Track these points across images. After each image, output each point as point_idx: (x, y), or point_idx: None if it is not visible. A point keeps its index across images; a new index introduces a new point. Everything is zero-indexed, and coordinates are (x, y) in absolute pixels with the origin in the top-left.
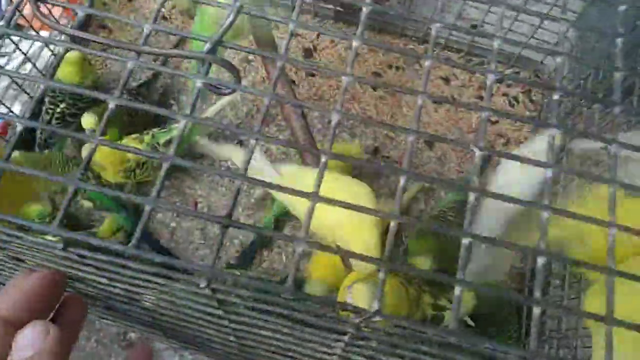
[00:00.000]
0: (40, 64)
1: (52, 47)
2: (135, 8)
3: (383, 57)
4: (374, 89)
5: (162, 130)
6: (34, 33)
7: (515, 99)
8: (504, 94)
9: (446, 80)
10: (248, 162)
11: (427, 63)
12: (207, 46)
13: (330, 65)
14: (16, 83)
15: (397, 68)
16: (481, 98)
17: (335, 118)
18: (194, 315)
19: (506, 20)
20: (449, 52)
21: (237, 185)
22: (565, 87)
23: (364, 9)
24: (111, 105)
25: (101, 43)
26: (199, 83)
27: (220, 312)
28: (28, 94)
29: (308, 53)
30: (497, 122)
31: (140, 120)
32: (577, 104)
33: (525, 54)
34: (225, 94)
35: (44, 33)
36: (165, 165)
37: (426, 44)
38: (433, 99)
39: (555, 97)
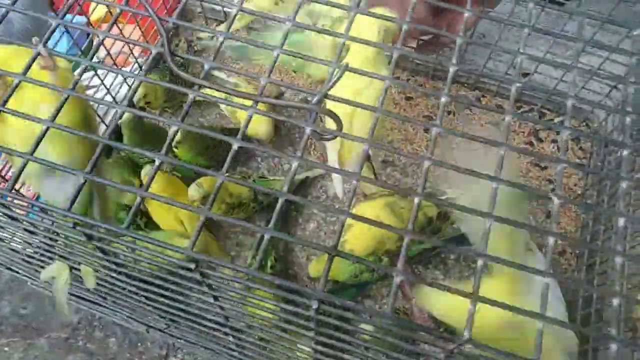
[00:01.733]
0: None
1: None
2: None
3: (435, 100)
4: (426, 130)
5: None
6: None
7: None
8: (553, 141)
9: (496, 125)
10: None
11: (507, 118)
12: (316, 98)
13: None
14: (98, 116)
15: (449, 112)
16: (530, 144)
17: (426, 164)
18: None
19: (556, 72)
20: (500, 99)
21: (341, 220)
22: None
23: (451, 69)
24: (235, 146)
25: (224, 92)
26: (308, 130)
27: (312, 334)
28: (105, 124)
29: None
30: (545, 167)
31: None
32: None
33: (575, 103)
34: (328, 139)
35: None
36: (281, 200)
37: (477, 90)
38: (485, 141)
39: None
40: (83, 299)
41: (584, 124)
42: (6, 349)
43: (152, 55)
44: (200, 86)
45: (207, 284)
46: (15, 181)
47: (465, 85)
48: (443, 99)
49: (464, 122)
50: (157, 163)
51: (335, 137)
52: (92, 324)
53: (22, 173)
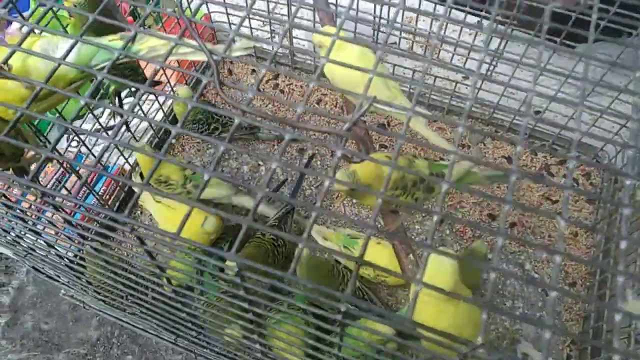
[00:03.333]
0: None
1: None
2: (236, 80)
3: (450, 134)
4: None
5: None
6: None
7: (576, 181)
8: (564, 176)
9: (509, 159)
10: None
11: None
12: (347, 125)
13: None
14: (131, 132)
15: (463, 146)
16: (542, 177)
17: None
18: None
19: (567, 110)
20: (512, 134)
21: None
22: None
23: (467, 104)
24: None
25: (262, 116)
26: (339, 153)
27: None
28: (137, 140)
29: (382, 127)
30: (557, 201)
31: None
32: None
33: (585, 140)
34: (355, 162)
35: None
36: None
37: (490, 125)
38: (497, 168)
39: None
40: (115, 306)
41: (595, 160)
42: None
43: (203, 84)
44: (244, 112)
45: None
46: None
47: (480, 120)
48: (460, 129)
49: (477, 154)
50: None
51: (363, 160)
52: (111, 341)
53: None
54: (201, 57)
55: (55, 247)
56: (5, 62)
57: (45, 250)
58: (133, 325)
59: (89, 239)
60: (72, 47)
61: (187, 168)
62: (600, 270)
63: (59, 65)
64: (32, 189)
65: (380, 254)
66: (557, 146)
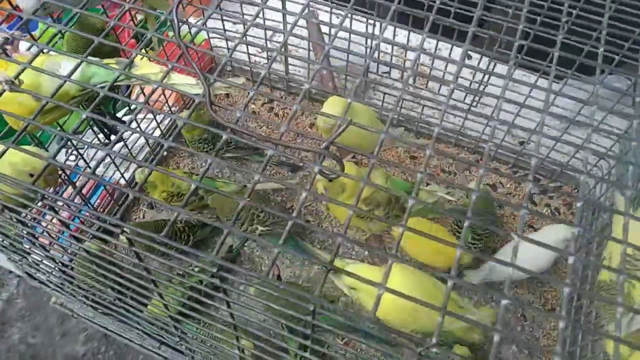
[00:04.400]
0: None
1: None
2: (232, 102)
3: (437, 161)
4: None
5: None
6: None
7: (557, 210)
8: (547, 205)
9: (493, 187)
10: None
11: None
12: (325, 144)
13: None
14: (127, 148)
15: (450, 172)
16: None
17: None
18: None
19: (550, 141)
20: (497, 163)
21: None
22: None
23: (436, 129)
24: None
25: (249, 134)
26: (317, 168)
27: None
28: (133, 156)
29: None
30: (539, 229)
31: None
32: None
33: (566, 170)
34: (331, 179)
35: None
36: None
37: (477, 154)
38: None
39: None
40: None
41: (575, 190)
42: None
43: (195, 104)
44: (233, 130)
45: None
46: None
47: (466, 149)
48: (428, 152)
49: (463, 182)
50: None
51: (338, 176)
52: (97, 357)
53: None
54: (190, 91)
55: (50, 251)
56: (17, 77)
57: (41, 255)
58: (119, 335)
59: (85, 241)
60: (77, 66)
61: (193, 174)
62: (577, 296)
63: (65, 82)
64: (33, 192)
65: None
66: (541, 175)
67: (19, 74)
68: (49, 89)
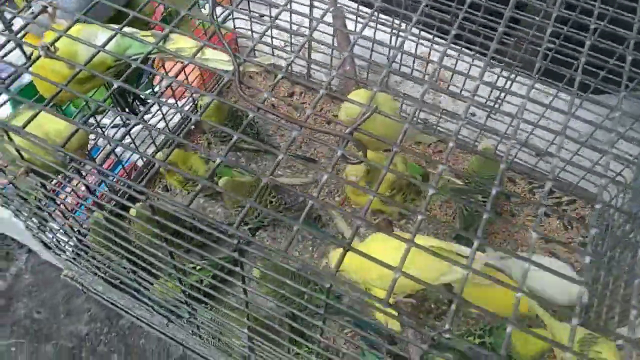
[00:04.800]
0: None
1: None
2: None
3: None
4: None
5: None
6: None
7: (570, 223)
8: (559, 217)
9: (507, 197)
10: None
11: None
12: (349, 129)
13: None
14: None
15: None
16: (537, 216)
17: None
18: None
19: (567, 153)
20: (513, 172)
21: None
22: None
23: (450, 144)
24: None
25: (276, 115)
26: (339, 152)
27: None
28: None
29: None
30: (550, 241)
31: None
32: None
33: (582, 184)
34: (353, 164)
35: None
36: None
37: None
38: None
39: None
40: (114, 285)
41: (590, 206)
42: (13, 349)
43: (225, 80)
44: (259, 109)
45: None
46: None
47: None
48: (450, 144)
49: None
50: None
51: (361, 162)
52: (99, 338)
53: None
54: (222, 66)
55: (69, 219)
56: (53, 44)
57: (59, 223)
58: (126, 312)
59: (108, 208)
60: (112, 37)
61: (210, 161)
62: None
63: (99, 51)
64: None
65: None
66: (555, 189)
67: (55, 40)
68: (84, 58)
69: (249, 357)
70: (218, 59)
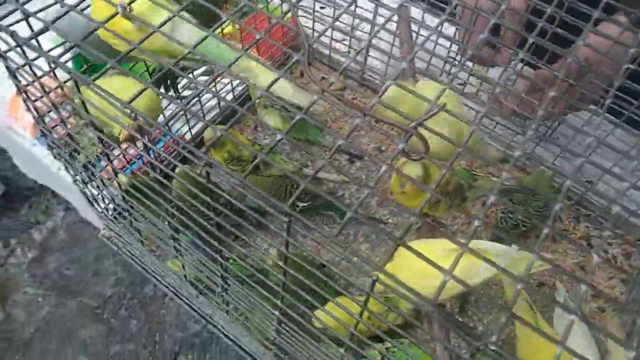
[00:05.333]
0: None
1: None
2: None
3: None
4: None
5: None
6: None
7: (614, 258)
8: (605, 251)
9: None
10: None
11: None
12: (414, 123)
13: None
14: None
15: None
16: (581, 245)
17: None
18: None
19: (620, 184)
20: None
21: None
22: None
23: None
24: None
25: (341, 100)
26: (400, 146)
27: None
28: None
29: None
30: (591, 272)
31: None
32: None
33: (633, 220)
34: (414, 160)
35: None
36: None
37: None
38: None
39: None
40: (150, 250)
41: (638, 241)
42: (40, 299)
43: (294, 59)
44: (323, 91)
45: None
46: None
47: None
48: (517, 154)
49: None
50: None
51: (421, 158)
52: (121, 302)
53: None
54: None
55: (119, 175)
56: (130, 4)
57: (108, 180)
58: (157, 279)
59: (162, 168)
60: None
61: (256, 143)
62: None
63: (174, 15)
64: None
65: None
66: (604, 219)
67: (133, 1)
68: (156, 23)
69: (275, 340)
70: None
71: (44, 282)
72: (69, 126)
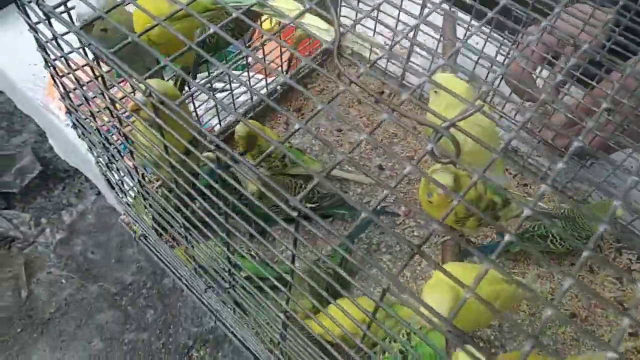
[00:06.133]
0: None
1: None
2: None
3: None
4: None
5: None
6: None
7: None
8: None
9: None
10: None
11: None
12: (447, 123)
13: None
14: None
15: None
16: (619, 280)
17: None
18: None
19: None
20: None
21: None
22: None
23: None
24: None
25: (370, 92)
26: (429, 147)
27: None
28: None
29: None
30: (628, 309)
31: None
32: None
33: None
34: (443, 163)
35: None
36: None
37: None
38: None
39: None
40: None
41: None
42: (63, 281)
43: (322, 48)
44: (351, 82)
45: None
46: None
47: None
48: (559, 165)
49: None
50: None
51: (450, 162)
52: (140, 291)
53: None
54: (321, 35)
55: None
56: None
57: (125, 165)
58: (170, 269)
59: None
60: None
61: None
62: None
63: None
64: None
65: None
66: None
67: None
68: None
69: (279, 344)
70: (317, 25)
71: (68, 264)
72: (92, 105)
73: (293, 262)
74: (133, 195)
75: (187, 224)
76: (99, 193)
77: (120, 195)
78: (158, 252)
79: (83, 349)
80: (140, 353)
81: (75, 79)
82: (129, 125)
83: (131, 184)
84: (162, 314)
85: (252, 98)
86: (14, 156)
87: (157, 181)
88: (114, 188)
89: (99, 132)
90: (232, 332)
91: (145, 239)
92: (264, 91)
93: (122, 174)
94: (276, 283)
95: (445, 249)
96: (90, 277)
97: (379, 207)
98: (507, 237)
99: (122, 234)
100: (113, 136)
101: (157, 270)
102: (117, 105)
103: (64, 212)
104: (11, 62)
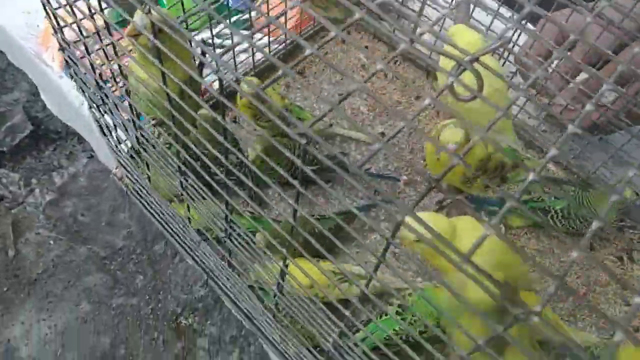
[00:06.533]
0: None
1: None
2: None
3: None
4: None
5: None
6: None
7: None
8: None
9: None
10: None
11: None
12: (469, 57)
13: None
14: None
15: None
16: (620, 259)
17: None
18: None
19: None
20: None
21: None
22: None
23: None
24: None
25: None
26: (450, 80)
27: None
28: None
29: None
30: (626, 289)
31: None
32: None
33: None
34: (465, 101)
35: None
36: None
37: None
38: None
39: None
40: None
41: None
42: (51, 242)
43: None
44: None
45: None
46: None
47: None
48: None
49: None
50: None
51: (473, 98)
52: (130, 256)
53: None
54: None
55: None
56: None
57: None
58: (162, 225)
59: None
60: None
61: (286, 99)
62: None
63: None
64: None
65: None
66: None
67: None
68: None
69: (275, 296)
70: None
71: (57, 226)
72: (93, 56)
73: (295, 218)
74: (129, 144)
75: (183, 168)
76: (91, 156)
77: (115, 145)
78: (150, 205)
79: (70, 311)
80: (128, 318)
81: (78, 27)
82: (125, 53)
83: (129, 135)
84: (151, 280)
85: (253, 58)
86: (4, 114)
87: (153, 120)
88: (108, 137)
89: (92, 67)
90: (224, 292)
91: (138, 193)
92: (266, 49)
93: (116, 117)
94: (273, 242)
95: (451, 211)
96: (79, 239)
97: (364, 165)
98: (507, 203)
99: (114, 198)
100: (108, 70)
101: (148, 236)
102: (114, 36)
103: (55, 173)
104: (3, 9)
